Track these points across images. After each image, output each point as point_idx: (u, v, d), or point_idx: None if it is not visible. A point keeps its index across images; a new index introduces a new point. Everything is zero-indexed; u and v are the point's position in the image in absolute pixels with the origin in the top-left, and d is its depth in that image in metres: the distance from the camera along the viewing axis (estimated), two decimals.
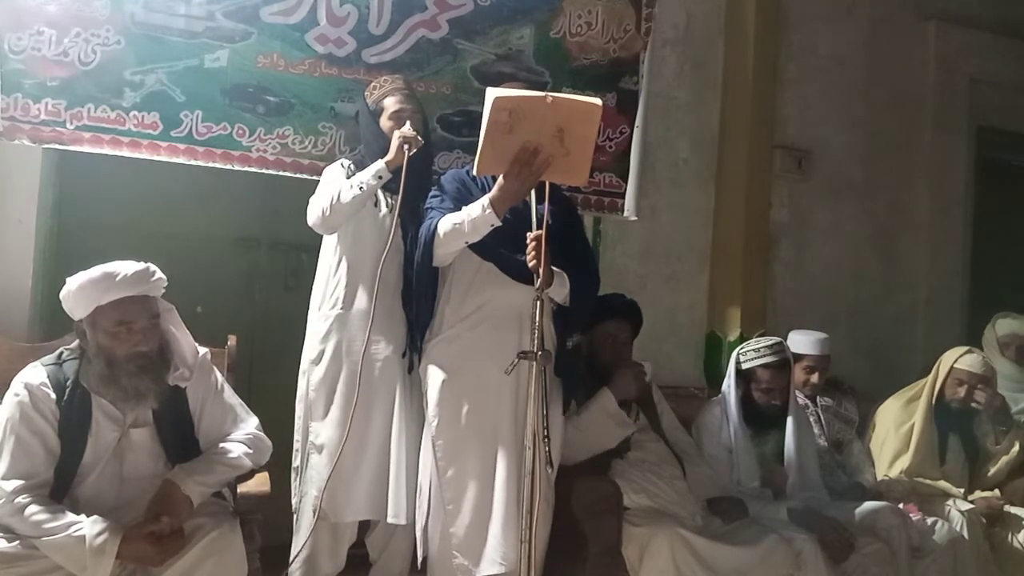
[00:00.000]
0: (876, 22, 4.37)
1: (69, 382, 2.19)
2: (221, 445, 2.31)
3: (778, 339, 3.23)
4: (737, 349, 3.27)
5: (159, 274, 2.26)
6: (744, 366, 3.18)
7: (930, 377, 3.46)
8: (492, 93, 2.26)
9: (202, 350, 2.40)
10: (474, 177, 2.65)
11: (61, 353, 2.26)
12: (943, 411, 3.41)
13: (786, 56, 4.10)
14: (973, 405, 3.39)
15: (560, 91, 3.13)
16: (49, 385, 2.18)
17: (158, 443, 2.26)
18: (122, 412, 2.22)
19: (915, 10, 4.48)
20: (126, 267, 2.19)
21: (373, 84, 2.92)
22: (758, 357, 3.14)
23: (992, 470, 3.46)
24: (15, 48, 2.79)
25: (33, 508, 2.04)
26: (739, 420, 3.14)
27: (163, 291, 2.29)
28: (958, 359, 3.41)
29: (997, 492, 3.40)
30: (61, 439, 2.16)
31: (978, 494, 3.38)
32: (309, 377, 2.76)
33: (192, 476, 2.18)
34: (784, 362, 3.14)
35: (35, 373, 2.20)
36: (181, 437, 2.29)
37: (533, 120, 2.28)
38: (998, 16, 4.65)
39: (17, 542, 2.02)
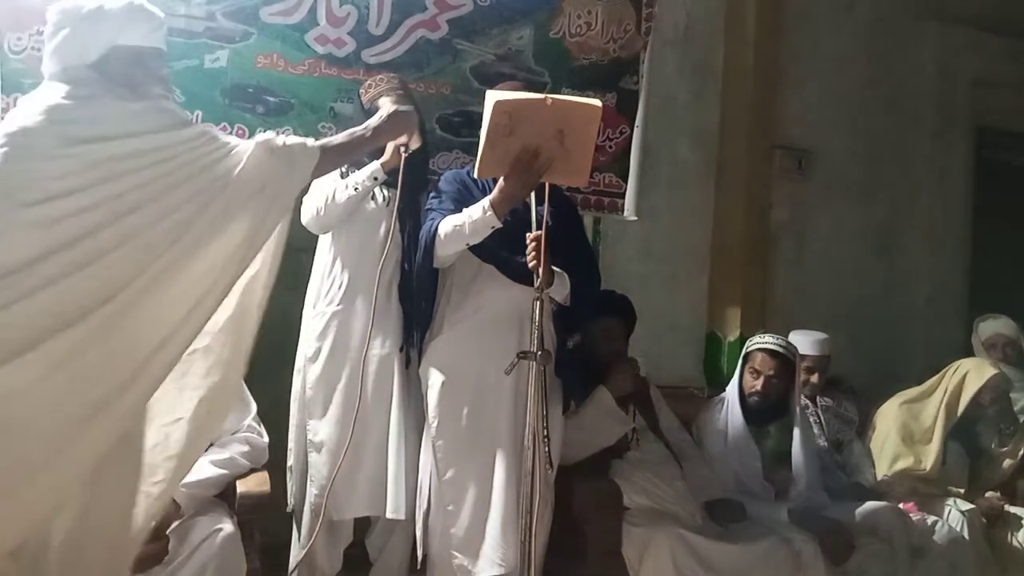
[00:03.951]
0: (876, 22, 4.37)
1: None
2: (215, 446, 2.30)
3: (787, 339, 3.24)
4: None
5: None
6: (746, 351, 3.20)
7: (950, 393, 3.38)
8: (492, 97, 2.26)
9: None
10: (474, 178, 2.65)
11: None
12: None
13: (786, 56, 4.11)
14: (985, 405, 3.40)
15: (560, 91, 3.14)
16: None
17: None
18: None
19: (915, 10, 4.48)
20: None
21: (368, 83, 2.91)
22: (762, 344, 3.16)
23: (995, 471, 3.46)
24: (15, 48, 2.79)
25: None
26: (741, 418, 3.14)
27: None
28: (987, 382, 3.35)
29: (997, 493, 3.40)
30: None
31: (988, 495, 3.37)
32: (305, 375, 2.76)
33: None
34: (782, 355, 3.13)
35: None
36: None
37: (533, 122, 2.28)
38: (998, 16, 4.65)
39: None
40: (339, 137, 2.13)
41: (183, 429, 1.94)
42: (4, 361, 1.62)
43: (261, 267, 1.99)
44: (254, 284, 1.99)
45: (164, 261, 1.77)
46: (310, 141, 2.00)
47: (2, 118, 2.74)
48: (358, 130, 2.15)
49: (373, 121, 2.17)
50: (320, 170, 2.01)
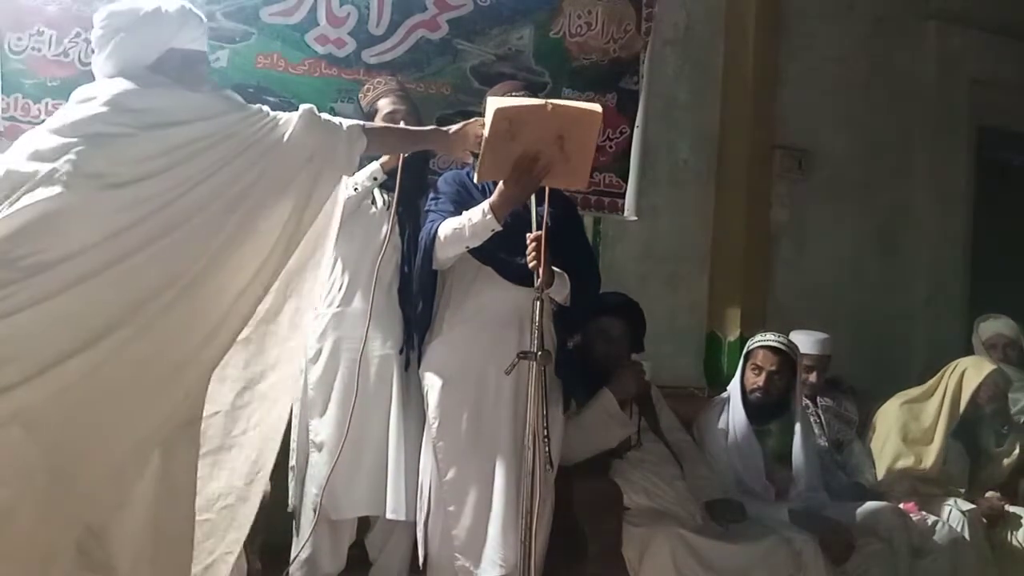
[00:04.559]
0: (876, 22, 4.37)
1: None
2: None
3: (788, 338, 3.24)
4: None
5: None
6: (748, 348, 3.20)
7: (950, 392, 3.39)
8: (493, 103, 2.27)
9: None
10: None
11: None
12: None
13: (786, 56, 4.10)
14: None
15: (560, 91, 3.15)
16: None
17: None
18: None
19: (915, 10, 4.47)
20: None
21: (367, 86, 2.94)
22: (764, 341, 3.16)
23: (995, 471, 3.46)
24: (15, 48, 2.79)
25: None
26: (743, 416, 3.14)
27: None
28: (986, 378, 3.36)
29: (997, 493, 3.40)
30: None
31: (988, 495, 3.37)
32: (307, 376, 2.76)
33: None
34: (783, 352, 3.14)
35: None
36: None
37: (534, 128, 2.28)
38: (998, 16, 4.65)
39: None
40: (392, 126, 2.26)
41: (220, 423, 1.96)
42: (105, 332, 1.68)
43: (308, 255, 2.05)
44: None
45: (223, 237, 1.82)
46: (352, 120, 2.09)
47: (2, 118, 2.78)
48: (421, 129, 2.34)
49: (456, 126, 2.31)
50: (372, 148, 2.11)
